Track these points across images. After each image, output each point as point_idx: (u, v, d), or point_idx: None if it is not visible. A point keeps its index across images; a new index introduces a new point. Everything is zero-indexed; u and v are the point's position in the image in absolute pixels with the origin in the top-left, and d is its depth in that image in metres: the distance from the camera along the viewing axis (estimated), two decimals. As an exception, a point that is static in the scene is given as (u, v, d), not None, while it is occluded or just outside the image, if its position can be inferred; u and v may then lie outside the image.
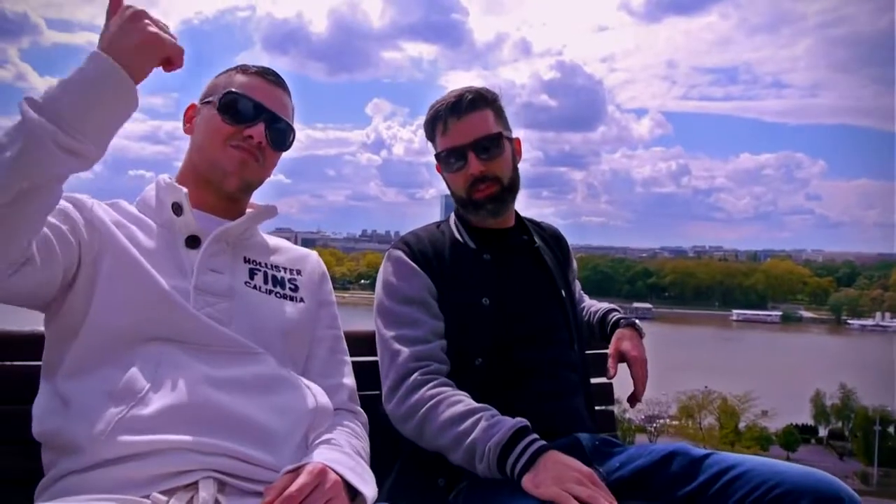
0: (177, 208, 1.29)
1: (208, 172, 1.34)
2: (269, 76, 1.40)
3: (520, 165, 1.79)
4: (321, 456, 1.15)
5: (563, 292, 1.78)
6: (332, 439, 1.25)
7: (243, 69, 1.40)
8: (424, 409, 1.47)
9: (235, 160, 1.32)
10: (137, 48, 1.06)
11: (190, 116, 1.41)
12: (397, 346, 1.57)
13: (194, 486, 1.06)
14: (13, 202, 0.96)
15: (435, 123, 1.72)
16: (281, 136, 1.39)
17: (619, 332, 1.88)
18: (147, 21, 1.07)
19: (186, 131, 1.40)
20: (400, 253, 1.69)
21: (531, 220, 1.93)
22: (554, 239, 1.94)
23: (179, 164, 1.41)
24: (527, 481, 1.29)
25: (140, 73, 1.07)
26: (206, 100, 1.38)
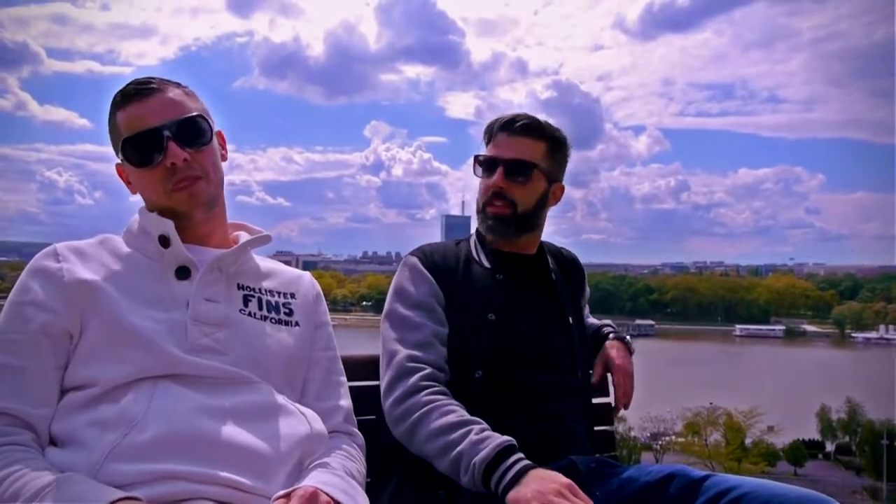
0: (163, 240, 1.28)
1: (176, 219, 1.29)
2: (138, 93, 1.27)
3: None
4: (313, 479, 1.15)
5: (570, 319, 1.80)
6: (326, 463, 1.25)
7: (115, 104, 1.29)
8: (418, 414, 1.49)
9: (185, 196, 1.28)
10: None
11: (125, 178, 1.36)
12: (397, 346, 1.60)
13: None
14: None
15: (490, 131, 1.79)
16: (191, 130, 1.29)
17: (607, 342, 1.92)
18: None
19: (132, 192, 1.35)
20: (415, 260, 1.74)
21: (552, 246, 1.96)
22: (571, 265, 1.97)
23: None
24: (510, 498, 1.30)
25: None
26: (120, 153, 1.31)
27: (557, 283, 1.83)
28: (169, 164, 1.26)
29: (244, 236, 1.42)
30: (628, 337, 1.96)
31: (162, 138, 1.25)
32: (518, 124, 1.74)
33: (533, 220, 1.78)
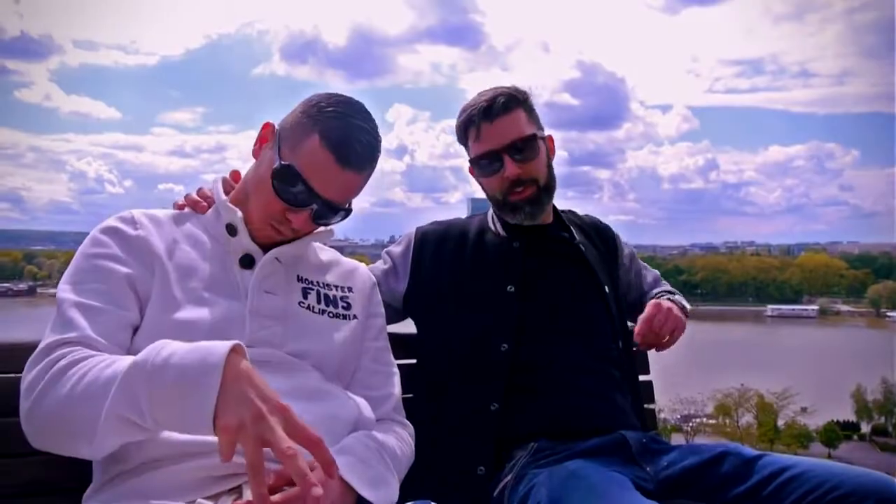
0: (231, 229, 1.27)
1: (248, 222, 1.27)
2: (346, 161, 1.21)
3: None
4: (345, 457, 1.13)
5: (605, 288, 1.74)
6: (360, 437, 1.23)
7: (324, 133, 1.20)
8: None
9: (268, 238, 1.28)
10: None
11: (262, 139, 1.29)
12: None
13: (237, 490, 1.06)
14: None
15: (468, 128, 1.70)
16: (327, 215, 1.27)
17: (651, 301, 1.74)
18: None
19: (254, 154, 1.30)
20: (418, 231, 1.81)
21: (570, 212, 1.91)
22: (595, 230, 1.91)
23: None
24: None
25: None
26: (277, 138, 1.25)
27: (585, 248, 1.78)
28: (289, 217, 1.24)
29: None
30: (677, 295, 1.86)
31: (311, 204, 1.23)
32: (498, 105, 1.64)
33: (553, 185, 1.74)
